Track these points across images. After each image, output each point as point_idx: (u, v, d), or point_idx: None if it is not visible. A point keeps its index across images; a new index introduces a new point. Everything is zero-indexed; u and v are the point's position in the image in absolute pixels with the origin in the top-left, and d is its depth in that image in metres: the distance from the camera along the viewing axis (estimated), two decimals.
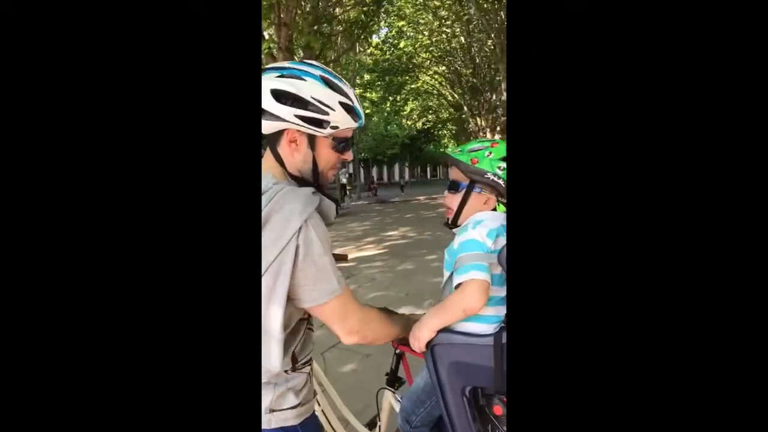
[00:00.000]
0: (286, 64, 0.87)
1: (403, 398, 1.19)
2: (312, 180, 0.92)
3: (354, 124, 0.88)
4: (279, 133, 0.87)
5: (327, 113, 0.84)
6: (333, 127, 0.86)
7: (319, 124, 0.84)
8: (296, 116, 0.82)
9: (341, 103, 0.85)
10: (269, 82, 0.84)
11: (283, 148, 0.88)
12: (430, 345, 0.98)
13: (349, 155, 0.93)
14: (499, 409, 0.90)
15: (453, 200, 1.08)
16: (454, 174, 1.09)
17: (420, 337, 0.98)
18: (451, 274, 0.98)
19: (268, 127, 0.85)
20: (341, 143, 0.90)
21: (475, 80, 13.07)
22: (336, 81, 0.86)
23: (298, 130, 0.86)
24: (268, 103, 0.82)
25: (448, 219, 1.11)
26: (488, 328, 0.95)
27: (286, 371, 0.94)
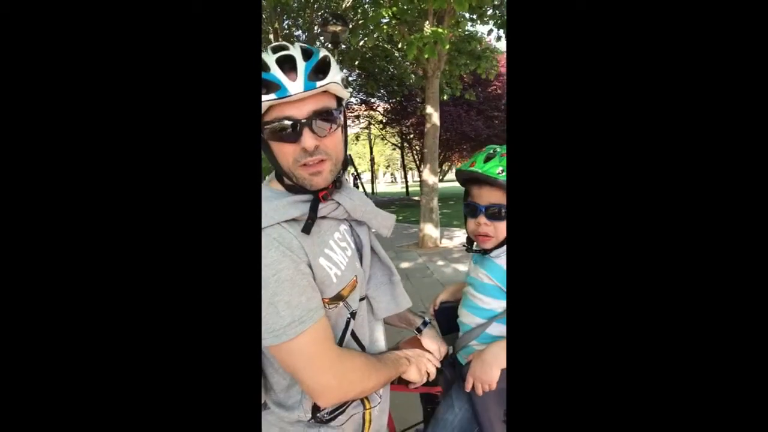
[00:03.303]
0: None
1: None
2: (293, 184, 0.74)
3: (271, 97, 0.65)
4: None
5: None
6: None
7: None
8: None
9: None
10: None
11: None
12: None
13: (307, 140, 0.68)
14: None
15: (501, 228, 0.94)
16: (494, 197, 0.93)
17: (492, 379, 0.86)
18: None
19: None
20: (280, 129, 0.68)
21: None
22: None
23: None
24: None
25: (482, 246, 0.98)
26: None
27: (309, 420, 0.76)
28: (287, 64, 0.67)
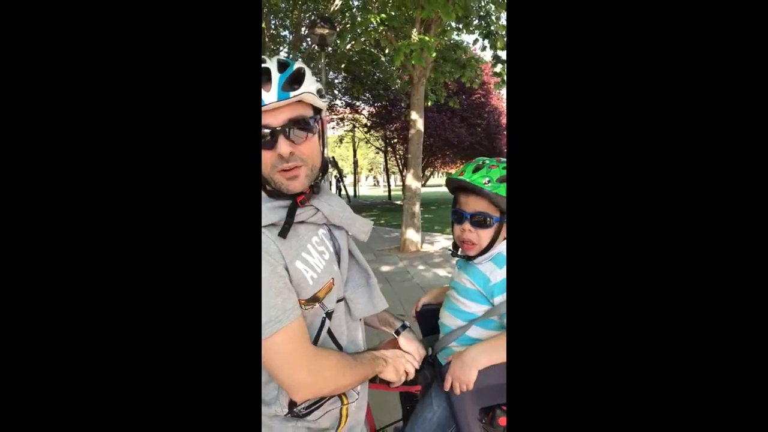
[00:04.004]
0: None
1: None
2: (272, 189, 0.77)
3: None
4: None
5: None
6: None
7: None
8: None
9: None
10: None
11: None
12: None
13: (282, 147, 0.73)
14: (503, 420, 0.92)
15: (484, 235, 1.00)
16: (479, 205, 0.99)
17: (470, 379, 0.91)
18: (492, 307, 0.98)
19: None
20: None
21: None
22: None
23: None
24: None
25: (466, 253, 1.04)
26: None
27: (286, 414, 0.78)
28: (264, 76, 0.71)
